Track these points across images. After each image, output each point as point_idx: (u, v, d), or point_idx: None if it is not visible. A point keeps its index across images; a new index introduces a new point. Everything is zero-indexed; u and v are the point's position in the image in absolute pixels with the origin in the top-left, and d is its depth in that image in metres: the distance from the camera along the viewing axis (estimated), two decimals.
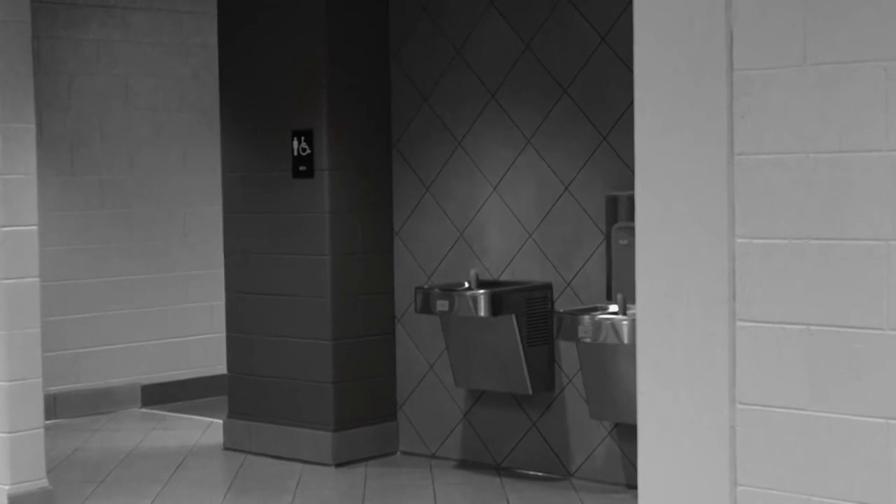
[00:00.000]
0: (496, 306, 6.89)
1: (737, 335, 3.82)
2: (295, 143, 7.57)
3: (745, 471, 3.83)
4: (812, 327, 3.69)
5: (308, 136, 7.52)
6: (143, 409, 9.46)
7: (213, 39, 9.73)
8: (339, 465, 7.50)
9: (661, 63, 3.95)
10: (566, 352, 7.02)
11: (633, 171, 6.71)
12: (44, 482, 6.48)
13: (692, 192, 3.87)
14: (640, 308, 4.04)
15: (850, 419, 3.67)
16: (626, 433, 6.82)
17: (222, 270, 9.79)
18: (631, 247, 6.67)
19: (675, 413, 3.94)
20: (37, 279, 6.43)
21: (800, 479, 3.75)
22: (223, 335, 9.77)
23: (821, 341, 3.68)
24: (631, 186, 6.73)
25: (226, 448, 8.00)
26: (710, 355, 3.85)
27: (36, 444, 6.40)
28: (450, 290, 7.09)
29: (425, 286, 7.28)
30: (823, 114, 3.65)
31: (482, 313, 6.89)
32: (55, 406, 8.96)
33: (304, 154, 7.54)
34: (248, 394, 7.93)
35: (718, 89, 3.81)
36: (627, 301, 6.46)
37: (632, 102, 6.69)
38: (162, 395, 9.64)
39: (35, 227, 6.39)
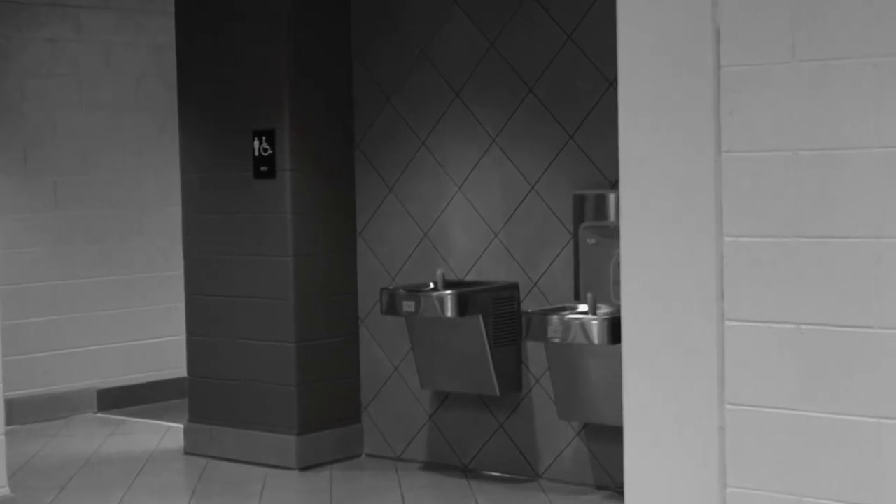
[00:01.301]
0: (463, 307, 6.83)
1: (725, 335, 3.78)
2: (256, 143, 7.48)
3: (734, 472, 3.80)
4: (802, 326, 3.65)
5: (270, 135, 7.43)
6: (100, 414, 9.32)
7: (168, 39, 9.59)
8: (303, 468, 7.41)
9: (645, 59, 3.91)
10: (533, 352, 6.97)
11: (600, 170, 6.70)
12: (5, 490, 6.35)
13: (678, 190, 3.83)
14: (626, 308, 4.00)
15: (840, 419, 3.64)
16: (595, 434, 6.78)
17: (179, 272, 9.68)
18: (599, 246, 6.64)
19: (662, 414, 3.90)
20: None
21: (790, 480, 3.71)
22: (180, 338, 9.64)
23: (811, 340, 3.65)
24: (598, 185, 6.71)
25: (186, 453, 7.88)
26: (698, 355, 3.81)
27: None
28: (416, 291, 7.02)
29: (391, 287, 7.21)
30: (813, 111, 3.62)
31: (449, 314, 6.82)
32: (10, 411, 8.80)
33: (265, 154, 7.45)
34: (209, 397, 7.82)
35: (705, 86, 3.77)
36: (598, 301, 6.42)
37: (598, 101, 6.69)
38: (118, 400, 9.50)
39: None
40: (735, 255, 3.75)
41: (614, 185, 6.66)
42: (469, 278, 7.22)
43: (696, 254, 3.80)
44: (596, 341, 6.23)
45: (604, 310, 6.44)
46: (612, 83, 6.63)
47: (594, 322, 6.25)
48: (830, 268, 3.63)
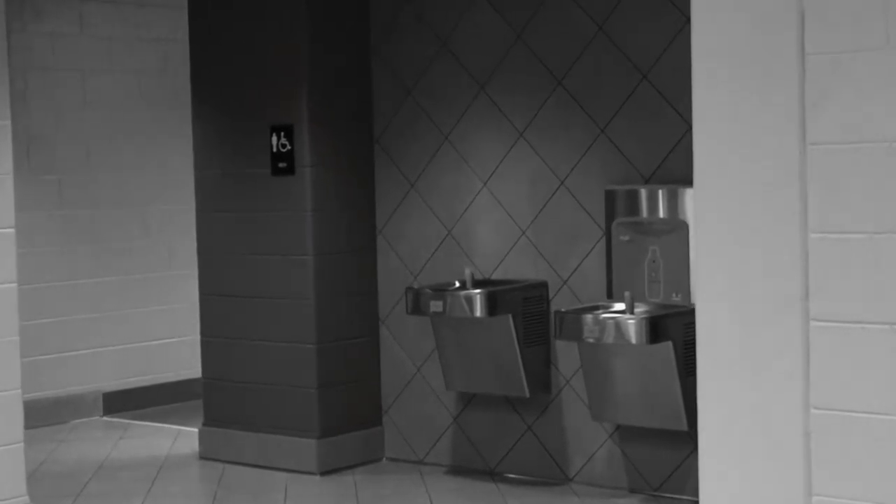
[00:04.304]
0: (492, 306, 6.63)
1: (811, 335, 3.60)
2: (274, 138, 7.27)
3: (821, 480, 3.61)
4: None
5: (288, 131, 7.22)
6: (106, 418, 9.10)
7: (172, 33, 9.40)
8: (324, 473, 7.20)
9: (723, 46, 3.71)
10: (563, 352, 6.78)
11: (632, 165, 6.51)
12: (24, 499, 6.13)
13: (760, 184, 3.65)
14: (701, 308, 3.81)
15: None
16: (629, 435, 6.59)
17: (185, 272, 9.49)
18: (633, 243, 6.45)
19: (742, 419, 3.71)
20: (15, 285, 6.10)
21: (880, 489, 3.53)
22: (187, 339, 9.46)
23: None
24: (631, 181, 6.53)
25: (202, 457, 7.67)
26: (782, 357, 3.63)
27: (16, 458, 6.05)
28: (442, 290, 6.81)
29: (416, 286, 7.00)
30: None
31: (478, 314, 6.62)
32: None
33: (283, 150, 7.24)
34: (226, 400, 7.60)
35: (789, 75, 3.58)
36: (636, 299, 6.24)
37: (631, 93, 6.49)
38: (125, 403, 9.28)
39: (12, 230, 6.04)
40: (821, 252, 3.57)
41: (647, 180, 6.48)
42: (495, 277, 7.02)
43: (779, 251, 3.61)
44: (633, 341, 6.04)
45: (640, 308, 6.26)
46: (645, 75, 6.45)
47: (631, 321, 6.05)
48: None
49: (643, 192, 6.44)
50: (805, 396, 3.60)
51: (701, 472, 3.80)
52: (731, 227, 3.68)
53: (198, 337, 7.92)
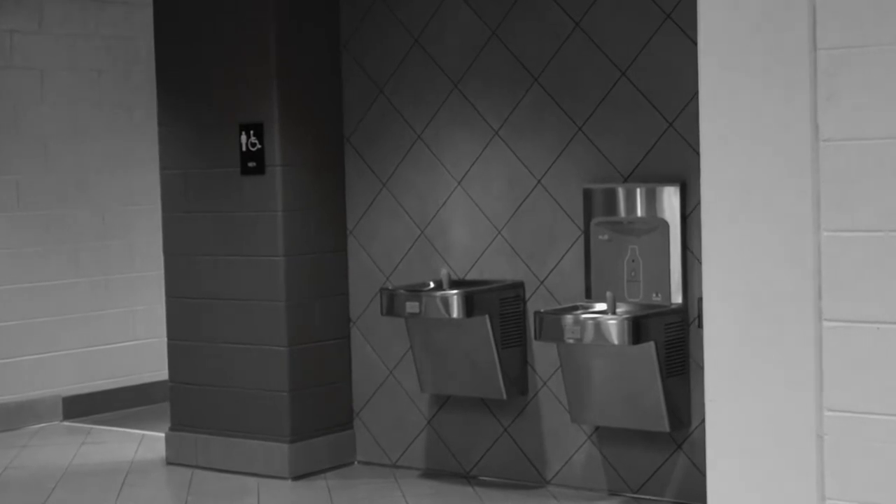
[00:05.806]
0: (469, 307, 6.53)
1: (824, 336, 3.52)
2: (244, 137, 7.13)
3: (834, 483, 3.54)
4: None
5: (258, 130, 7.08)
6: (66, 423, 8.91)
7: (133, 30, 9.25)
8: (296, 477, 7.08)
9: (732, 41, 3.62)
10: (540, 354, 6.69)
11: (611, 163, 6.43)
12: None
13: (771, 182, 3.56)
14: (709, 308, 3.72)
15: None
16: (608, 437, 6.52)
17: (145, 274, 9.34)
18: (612, 243, 6.38)
19: (751, 422, 3.63)
20: None
21: None
22: (147, 342, 9.31)
23: None
24: (609, 179, 6.45)
25: (169, 463, 7.52)
26: (794, 358, 3.55)
27: None
28: (418, 291, 6.71)
29: (390, 287, 6.89)
30: None
31: (455, 315, 6.52)
32: None
33: (253, 149, 7.11)
34: (194, 404, 7.45)
35: (800, 70, 3.50)
36: (618, 300, 6.16)
37: (609, 91, 6.42)
38: (85, 407, 9.11)
39: None
40: (835, 251, 3.49)
41: (626, 178, 6.41)
42: (470, 277, 6.93)
43: (791, 250, 3.53)
44: (615, 342, 5.96)
45: (622, 308, 6.18)
46: (623, 72, 6.37)
47: (612, 322, 5.98)
48: None
49: (622, 191, 6.37)
50: (818, 398, 3.53)
51: (709, 476, 3.72)
52: (742, 225, 3.60)
53: (160, 339, 7.78)
